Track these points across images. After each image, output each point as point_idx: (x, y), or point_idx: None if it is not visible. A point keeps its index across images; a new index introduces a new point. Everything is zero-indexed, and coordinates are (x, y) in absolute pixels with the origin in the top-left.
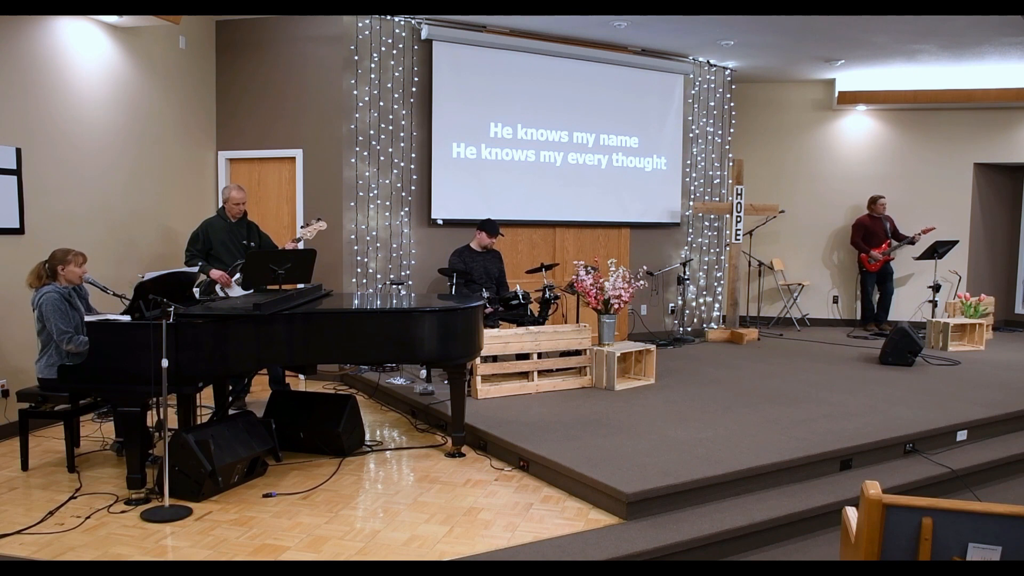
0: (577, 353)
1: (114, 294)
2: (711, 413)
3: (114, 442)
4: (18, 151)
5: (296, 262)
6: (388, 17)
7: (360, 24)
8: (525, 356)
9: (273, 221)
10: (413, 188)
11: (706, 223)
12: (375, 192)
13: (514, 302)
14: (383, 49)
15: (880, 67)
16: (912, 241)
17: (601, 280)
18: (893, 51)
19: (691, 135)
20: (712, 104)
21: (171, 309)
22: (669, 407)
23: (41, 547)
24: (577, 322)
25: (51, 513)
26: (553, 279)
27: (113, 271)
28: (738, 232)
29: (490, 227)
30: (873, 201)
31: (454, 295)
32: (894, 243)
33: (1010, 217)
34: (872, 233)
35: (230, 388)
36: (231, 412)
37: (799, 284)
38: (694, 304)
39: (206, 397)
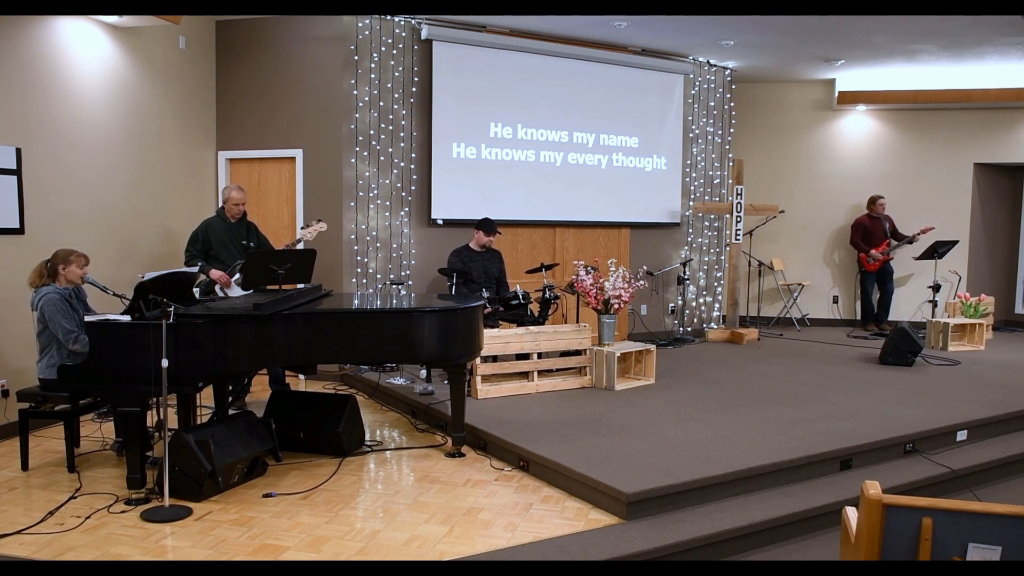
0: (577, 353)
1: (114, 294)
2: (711, 413)
3: (114, 442)
4: (18, 151)
5: (296, 262)
6: (388, 17)
7: (360, 24)
8: (525, 356)
9: (273, 221)
10: (413, 188)
11: (706, 223)
12: (375, 192)
13: (514, 302)
14: (383, 49)
15: (880, 67)
16: (911, 241)
17: (601, 280)
18: (893, 51)
19: (691, 135)
20: (712, 104)
21: (171, 309)
22: (669, 407)
23: (41, 547)
24: (577, 322)
25: (51, 513)
26: (553, 279)
27: (113, 271)
28: (738, 232)
29: (487, 226)
30: (872, 201)
31: (454, 295)
32: (893, 243)
33: (1010, 217)
34: (871, 233)
35: (230, 388)
36: (231, 412)
37: (799, 284)
38: (694, 304)
39: (206, 397)
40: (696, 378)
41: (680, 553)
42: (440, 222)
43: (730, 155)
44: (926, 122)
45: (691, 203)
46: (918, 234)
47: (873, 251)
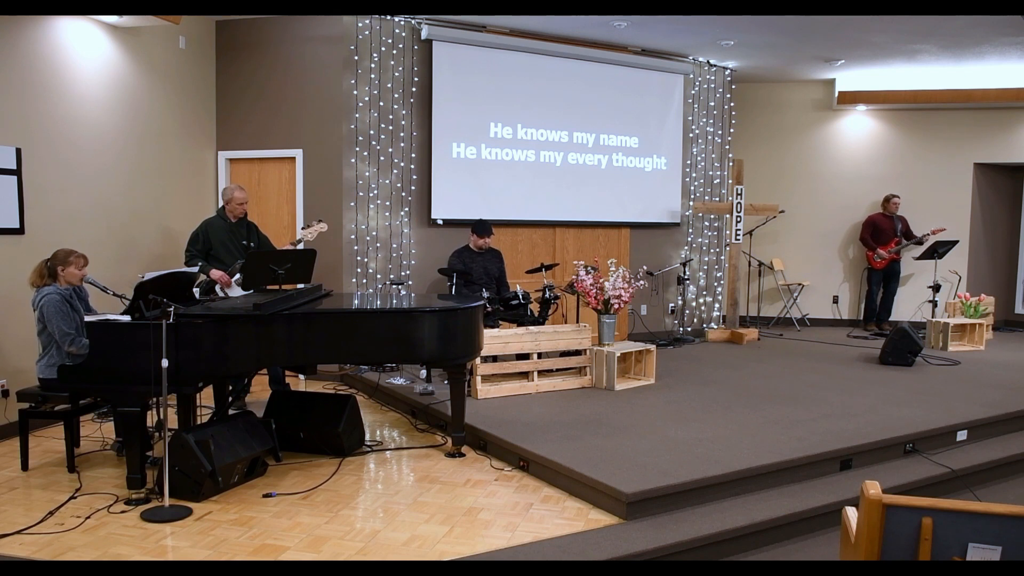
0: (577, 353)
1: (114, 294)
2: (711, 413)
3: (114, 442)
4: (18, 151)
5: (296, 262)
6: (388, 17)
7: (360, 24)
8: (525, 356)
9: (273, 221)
10: (413, 188)
11: (706, 223)
12: (375, 192)
13: (514, 302)
14: (383, 49)
15: (880, 67)
16: (920, 241)
17: (601, 280)
18: (893, 51)
19: (691, 135)
20: (712, 104)
21: (171, 309)
22: (669, 407)
23: (41, 547)
24: (577, 322)
25: (51, 513)
26: (553, 279)
27: (113, 271)
28: (738, 232)
29: (480, 228)
30: (887, 200)
31: (454, 295)
32: (903, 242)
33: (1010, 217)
34: (881, 231)
35: (230, 388)
36: (231, 412)
37: (799, 284)
38: (694, 304)
39: (206, 397)
40: (696, 378)
41: (680, 553)
42: (440, 222)
43: (730, 155)
44: (926, 122)
45: (691, 203)
46: (928, 235)
47: (880, 249)
